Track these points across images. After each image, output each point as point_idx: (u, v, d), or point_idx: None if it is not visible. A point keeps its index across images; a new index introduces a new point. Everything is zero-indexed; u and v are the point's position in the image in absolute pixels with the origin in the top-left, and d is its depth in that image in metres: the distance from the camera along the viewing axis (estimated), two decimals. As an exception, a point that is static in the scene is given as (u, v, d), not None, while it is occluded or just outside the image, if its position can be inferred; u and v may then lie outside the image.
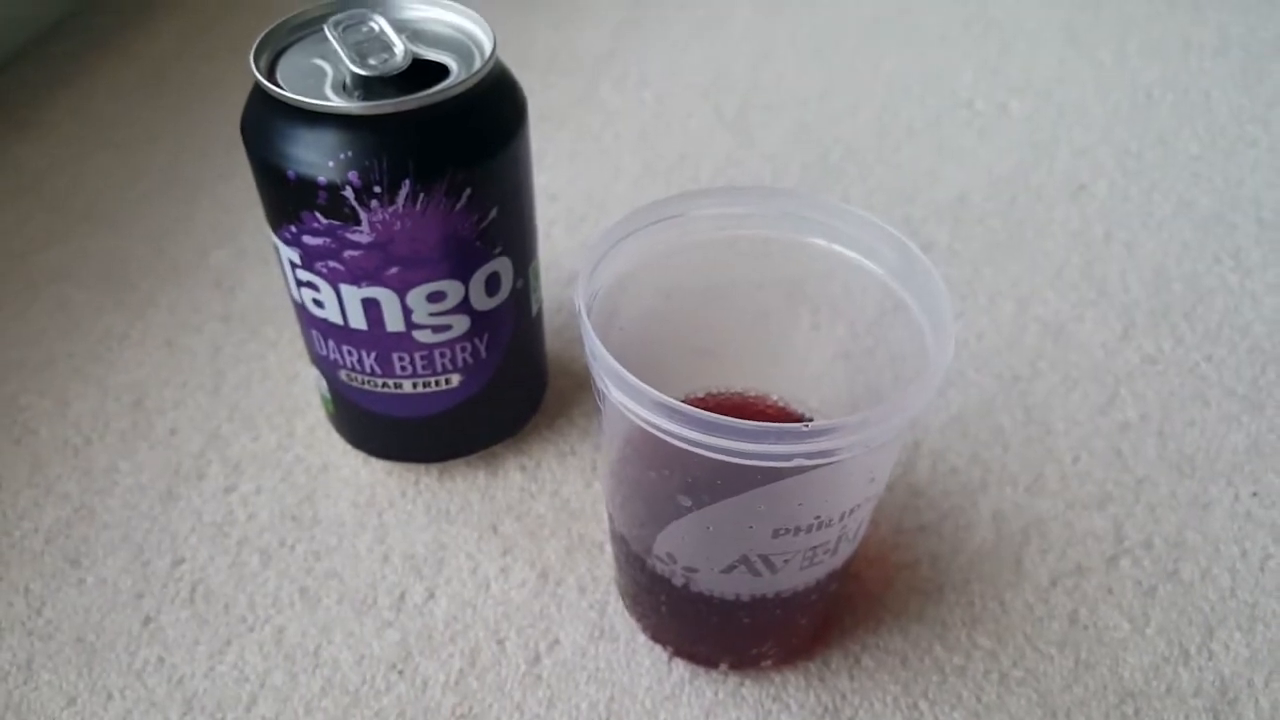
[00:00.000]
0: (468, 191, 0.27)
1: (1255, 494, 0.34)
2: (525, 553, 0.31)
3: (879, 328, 0.26)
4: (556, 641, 0.29)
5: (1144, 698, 0.29)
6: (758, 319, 0.29)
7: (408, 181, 0.25)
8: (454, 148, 0.26)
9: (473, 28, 0.28)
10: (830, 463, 0.21)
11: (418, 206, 0.26)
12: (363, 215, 0.26)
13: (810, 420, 0.28)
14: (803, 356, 0.29)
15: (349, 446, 0.35)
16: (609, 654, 0.29)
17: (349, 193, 0.25)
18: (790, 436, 0.20)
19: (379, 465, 0.34)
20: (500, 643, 0.29)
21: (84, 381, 0.37)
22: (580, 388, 0.37)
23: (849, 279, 0.26)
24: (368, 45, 0.27)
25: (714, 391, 0.30)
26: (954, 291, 0.41)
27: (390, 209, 0.26)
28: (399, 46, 0.27)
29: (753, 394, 0.30)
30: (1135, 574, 0.32)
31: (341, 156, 0.25)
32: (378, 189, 0.25)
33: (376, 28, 0.27)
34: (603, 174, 0.48)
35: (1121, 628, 0.30)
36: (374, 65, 0.26)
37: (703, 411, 0.20)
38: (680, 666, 0.29)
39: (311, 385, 0.37)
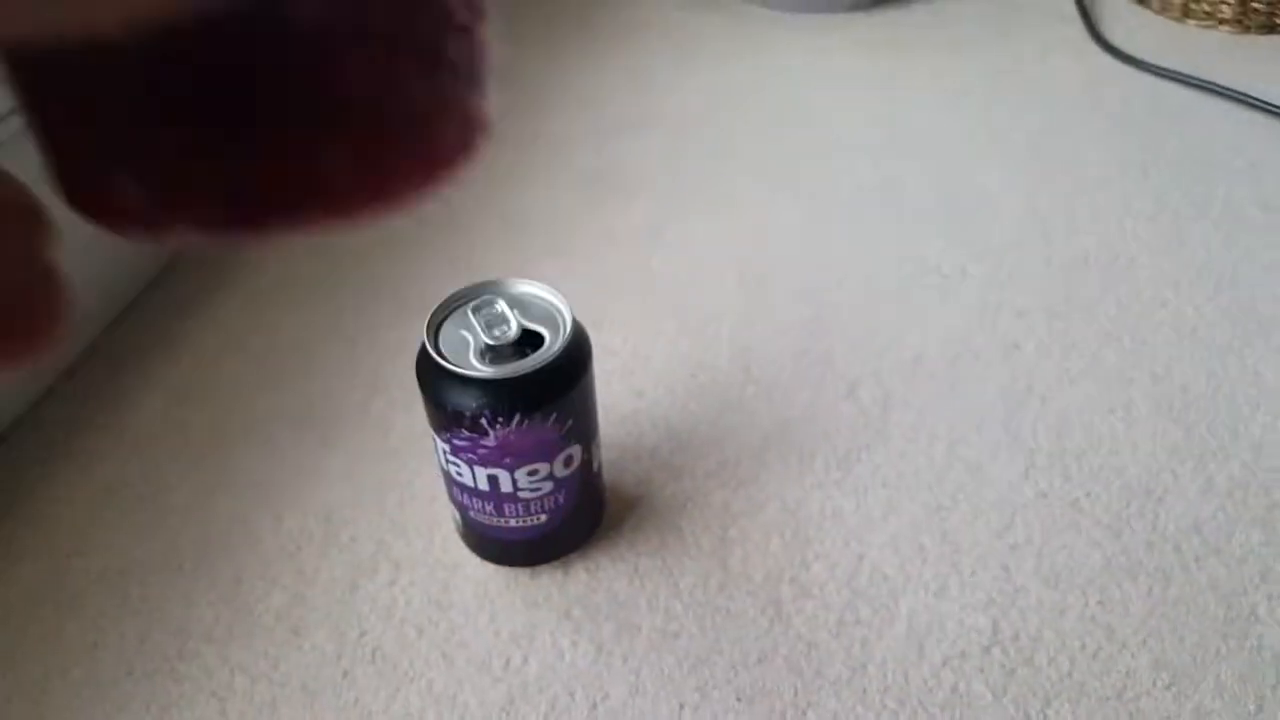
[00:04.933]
0: (555, 414, 0.43)
1: (1100, 602, 0.48)
2: (587, 632, 0.47)
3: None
4: (607, 695, 0.45)
5: (998, 745, 0.43)
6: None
7: (519, 414, 0.42)
8: (548, 390, 0.42)
9: (556, 302, 0.44)
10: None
11: (524, 426, 0.42)
12: (490, 432, 0.42)
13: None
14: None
15: (470, 553, 0.51)
16: (641, 706, 0.45)
17: (484, 421, 0.42)
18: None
19: (490, 566, 0.51)
20: (570, 695, 0.45)
21: (294, 505, 0.54)
22: (627, 507, 0.53)
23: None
24: (492, 320, 0.43)
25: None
26: (901, 436, 0.56)
27: (507, 429, 0.42)
28: (513, 323, 0.43)
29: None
30: (1002, 659, 0.46)
31: (480, 402, 0.42)
32: (500, 419, 0.42)
33: (499, 308, 0.44)
34: (647, 334, 0.63)
35: (985, 697, 0.45)
36: (497, 336, 0.43)
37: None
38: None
39: (444, 505, 0.54)
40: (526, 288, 0.45)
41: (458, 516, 0.49)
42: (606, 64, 0.93)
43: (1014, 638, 0.47)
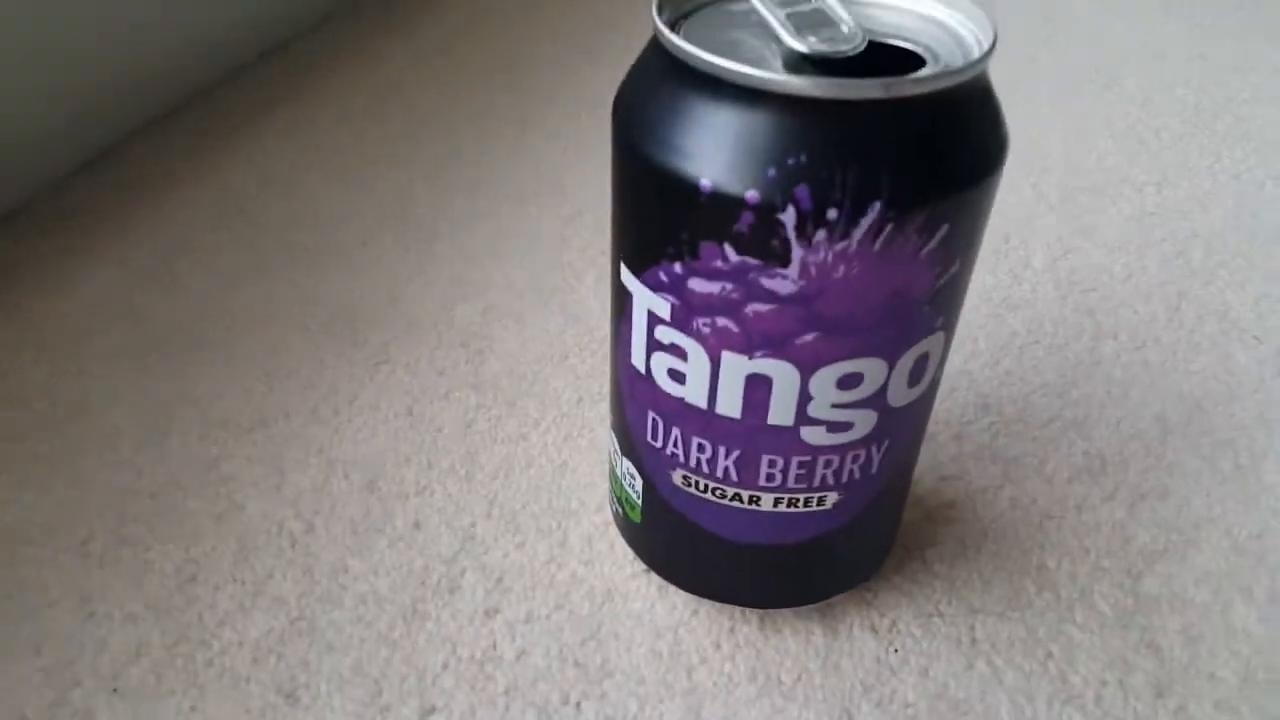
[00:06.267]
0: (944, 230, 0.18)
1: None
2: (909, 762, 0.22)
3: None
4: None
5: None
6: None
7: (877, 206, 0.17)
8: (944, 167, 0.18)
9: (950, 16, 0.20)
10: None
11: (877, 244, 0.18)
12: (796, 252, 0.18)
13: None
14: None
15: (639, 568, 0.26)
16: None
17: (789, 216, 0.17)
18: None
19: (680, 599, 0.25)
20: None
21: (304, 450, 0.30)
22: (932, 520, 0.28)
23: None
24: (804, 17, 0.19)
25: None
26: None
27: (840, 245, 0.17)
28: (849, 23, 0.19)
29: None
30: None
31: (789, 162, 0.17)
32: (833, 213, 0.17)
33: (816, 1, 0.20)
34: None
35: None
36: (820, 43, 0.18)
37: None
38: None
39: (578, 477, 0.29)
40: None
41: (635, 486, 0.24)
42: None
43: None
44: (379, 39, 0.56)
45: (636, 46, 0.55)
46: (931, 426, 0.31)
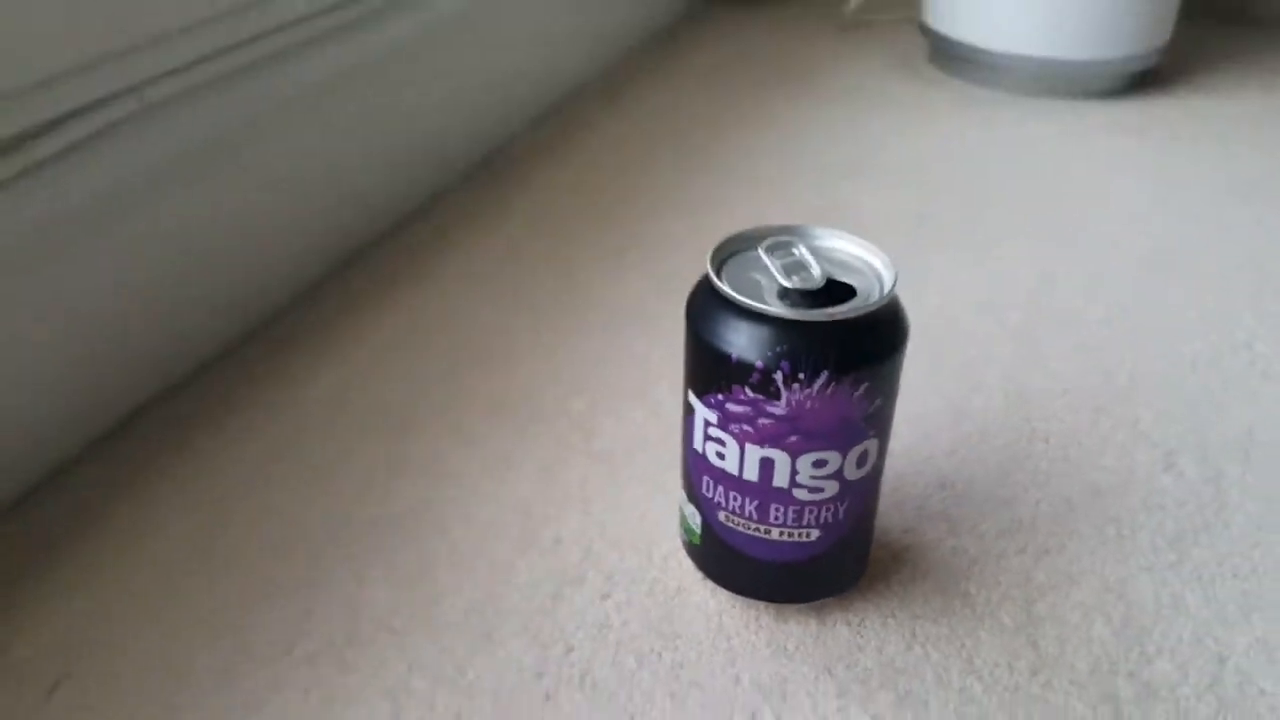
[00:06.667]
0: (866, 385, 0.33)
1: None
2: (857, 698, 0.36)
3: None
4: (891, 777, 0.33)
5: None
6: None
7: (826, 373, 0.32)
8: (864, 350, 0.33)
9: (873, 259, 0.36)
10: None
11: (828, 392, 0.33)
12: (784, 394, 0.33)
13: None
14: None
15: (699, 576, 0.41)
16: (936, 798, 0.33)
17: (779, 376, 0.33)
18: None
19: (724, 596, 0.40)
20: (841, 769, 0.33)
21: (481, 495, 0.46)
22: (895, 558, 0.42)
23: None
24: (790, 265, 0.35)
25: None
26: (1246, 522, 0.44)
27: (806, 391, 0.33)
28: (816, 269, 0.34)
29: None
30: None
31: (779, 349, 0.32)
32: (802, 375, 0.33)
33: (798, 253, 0.35)
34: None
35: None
36: (798, 281, 0.34)
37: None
38: (1003, 822, 0.32)
39: (656, 523, 0.44)
40: (829, 240, 0.37)
41: (696, 521, 0.39)
42: (832, 120, 0.87)
43: None
44: (503, 201, 0.74)
45: (710, 198, 0.72)
46: (899, 497, 0.46)
